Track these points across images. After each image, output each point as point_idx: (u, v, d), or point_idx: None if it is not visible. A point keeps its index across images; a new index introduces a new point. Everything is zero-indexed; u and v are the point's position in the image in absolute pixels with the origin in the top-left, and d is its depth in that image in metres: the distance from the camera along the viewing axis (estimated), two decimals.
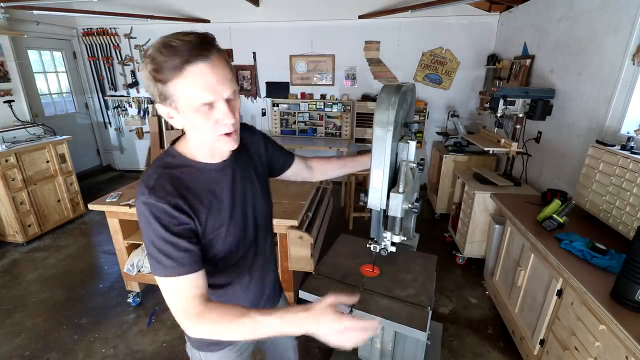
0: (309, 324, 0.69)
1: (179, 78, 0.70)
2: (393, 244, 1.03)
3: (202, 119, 0.75)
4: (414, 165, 1.00)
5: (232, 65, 0.78)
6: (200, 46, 0.70)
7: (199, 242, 0.82)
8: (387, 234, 1.01)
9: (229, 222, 0.87)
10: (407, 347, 1.39)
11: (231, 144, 0.81)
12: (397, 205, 0.92)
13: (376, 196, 0.94)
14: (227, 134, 0.79)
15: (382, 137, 0.87)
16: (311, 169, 1.20)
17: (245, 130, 0.98)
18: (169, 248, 0.75)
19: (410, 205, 0.98)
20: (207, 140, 0.81)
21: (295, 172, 1.16)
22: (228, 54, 4.77)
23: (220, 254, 0.89)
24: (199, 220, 0.81)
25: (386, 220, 1.02)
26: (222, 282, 0.94)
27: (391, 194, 0.92)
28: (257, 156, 1.01)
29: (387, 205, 0.94)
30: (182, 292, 0.77)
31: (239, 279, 0.97)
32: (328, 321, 0.69)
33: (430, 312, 1.09)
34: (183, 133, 0.86)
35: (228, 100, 0.75)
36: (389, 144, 0.87)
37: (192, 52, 0.69)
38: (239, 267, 0.95)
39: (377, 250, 1.02)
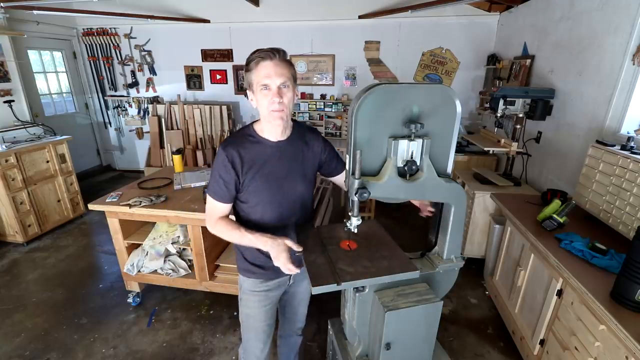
0: (267, 245, 1.12)
1: (255, 69, 1.08)
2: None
3: (262, 97, 1.10)
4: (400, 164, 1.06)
5: (294, 69, 1.15)
6: (271, 52, 1.07)
7: (235, 189, 1.19)
8: (353, 218, 1.13)
9: (266, 185, 1.19)
10: None
11: (278, 121, 1.13)
12: (351, 188, 1.03)
13: (346, 180, 1.11)
14: (275, 111, 1.10)
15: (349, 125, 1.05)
16: None
17: (312, 132, 1.34)
18: (214, 180, 1.18)
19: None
20: (265, 116, 1.14)
21: (342, 181, 1.42)
22: (228, 54, 4.79)
23: (256, 207, 1.22)
24: (244, 174, 1.16)
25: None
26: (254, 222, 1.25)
27: (350, 177, 1.03)
28: (312, 152, 1.30)
29: (347, 188, 1.07)
30: (212, 209, 1.22)
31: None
32: (274, 247, 1.11)
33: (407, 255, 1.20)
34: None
35: (280, 87, 1.08)
36: (352, 132, 1.02)
37: (265, 55, 1.07)
38: (269, 229, 1.19)
39: (350, 229, 1.15)
